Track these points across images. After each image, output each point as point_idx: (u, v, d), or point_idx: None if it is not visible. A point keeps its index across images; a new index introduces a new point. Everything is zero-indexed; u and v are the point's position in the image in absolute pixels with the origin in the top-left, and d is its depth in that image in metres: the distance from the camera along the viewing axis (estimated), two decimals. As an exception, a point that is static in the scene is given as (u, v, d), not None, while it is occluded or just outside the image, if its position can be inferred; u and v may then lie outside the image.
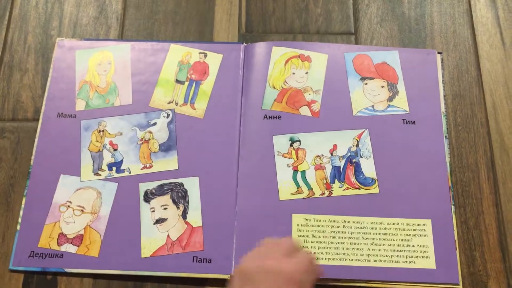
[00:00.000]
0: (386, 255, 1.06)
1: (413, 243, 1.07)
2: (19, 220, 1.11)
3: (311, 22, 1.31)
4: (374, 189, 1.12)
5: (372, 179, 1.12)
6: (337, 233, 1.07)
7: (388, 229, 1.08)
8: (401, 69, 1.23)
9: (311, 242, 1.07)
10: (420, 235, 1.07)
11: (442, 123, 1.17)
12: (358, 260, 1.06)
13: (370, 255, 1.06)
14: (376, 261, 1.05)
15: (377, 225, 1.08)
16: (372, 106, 1.19)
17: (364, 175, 1.13)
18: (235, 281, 0.85)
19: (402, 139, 1.16)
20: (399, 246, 1.06)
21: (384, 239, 1.07)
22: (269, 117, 1.17)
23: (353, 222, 1.08)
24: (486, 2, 1.32)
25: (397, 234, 1.07)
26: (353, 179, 1.12)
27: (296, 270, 0.82)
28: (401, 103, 1.19)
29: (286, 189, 1.12)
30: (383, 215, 1.09)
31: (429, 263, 1.05)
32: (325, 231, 1.08)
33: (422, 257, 1.06)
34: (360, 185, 1.12)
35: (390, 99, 1.20)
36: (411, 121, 1.17)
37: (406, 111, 1.18)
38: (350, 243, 1.07)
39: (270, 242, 0.90)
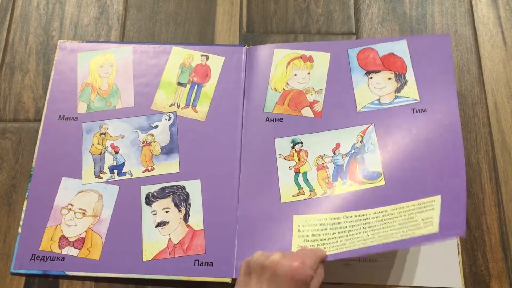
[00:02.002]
0: (385, 235, 0.99)
1: (416, 218, 1.01)
2: (21, 222, 1.11)
3: (312, 22, 1.31)
4: (380, 182, 1.09)
5: (378, 172, 1.10)
6: (337, 229, 1.05)
7: (391, 214, 1.03)
8: (410, 58, 1.21)
9: (311, 241, 1.05)
10: (426, 210, 1.00)
11: (457, 105, 1.13)
12: (355, 245, 1.00)
13: (368, 239, 1.01)
14: (372, 241, 0.99)
15: (379, 214, 1.04)
16: (378, 100, 1.18)
17: (369, 170, 1.11)
18: (255, 273, 0.89)
19: (411, 128, 1.12)
20: (400, 225, 1.00)
21: (384, 224, 1.02)
22: (271, 119, 1.17)
23: (355, 216, 1.06)
24: (488, 2, 1.32)
25: (400, 217, 1.02)
26: (357, 175, 1.11)
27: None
28: (410, 93, 1.17)
29: (287, 191, 1.11)
30: (388, 204, 1.06)
31: (432, 230, 0.96)
32: (326, 229, 1.05)
33: (424, 227, 0.98)
34: (364, 180, 1.10)
35: (398, 90, 1.17)
36: (422, 109, 1.14)
37: (416, 100, 1.15)
38: (350, 235, 1.03)
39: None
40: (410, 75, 1.19)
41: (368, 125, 1.15)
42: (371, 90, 1.19)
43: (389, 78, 1.20)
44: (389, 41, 1.24)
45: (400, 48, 1.23)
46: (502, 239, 1.10)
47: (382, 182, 1.09)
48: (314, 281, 0.89)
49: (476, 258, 1.08)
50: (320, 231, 1.05)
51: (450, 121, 1.11)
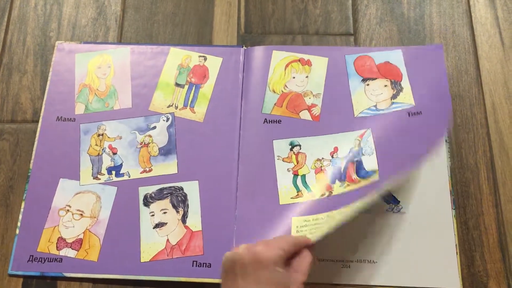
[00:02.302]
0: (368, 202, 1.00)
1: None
2: (18, 224, 1.11)
3: (310, 23, 1.31)
4: (374, 178, 1.09)
5: (374, 171, 1.10)
6: (332, 222, 1.03)
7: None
8: (405, 66, 1.22)
9: None
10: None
11: (451, 109, 1.15)
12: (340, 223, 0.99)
13: (354, 212, 1.00)
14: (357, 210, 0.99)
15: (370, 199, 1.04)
16: (375, 106, 1.18)
17: (366, 170, 1.11)
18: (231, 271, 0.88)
19: (407, 129, 1.13)
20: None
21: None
22: (269, 121, 1.17)
23: (350, 208, 1.06)
24: (486, 2, 1.31)
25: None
26: (354, 176, 1.11)
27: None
28: (406, 99, 1.18)
29: (286, 193, 1.11)
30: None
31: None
32: (323, 227, 1.06)
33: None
34: (360, 179, 1.10)
35: (394, 96, 1.19)
36: (417, 112, 1.15)
37: (411, 105, 1.17)
38: (341, 222, 1.03)
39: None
40: (405, 83, 1.21)
41: (365, 129, 1.16)
42: (367, 96, 1.20)
43: (385, 85, 1.21)
44: (385, 50, 1.25)
45: (396, 57, 1.24)
46: (500, 240, 1.10)
47: (376, 178, 1.09)
48: (301, 262, 0.90)
49: (474, 259, 1.08)
50: (317, 228, 1.04)
51: (444, 120, 1.12)
